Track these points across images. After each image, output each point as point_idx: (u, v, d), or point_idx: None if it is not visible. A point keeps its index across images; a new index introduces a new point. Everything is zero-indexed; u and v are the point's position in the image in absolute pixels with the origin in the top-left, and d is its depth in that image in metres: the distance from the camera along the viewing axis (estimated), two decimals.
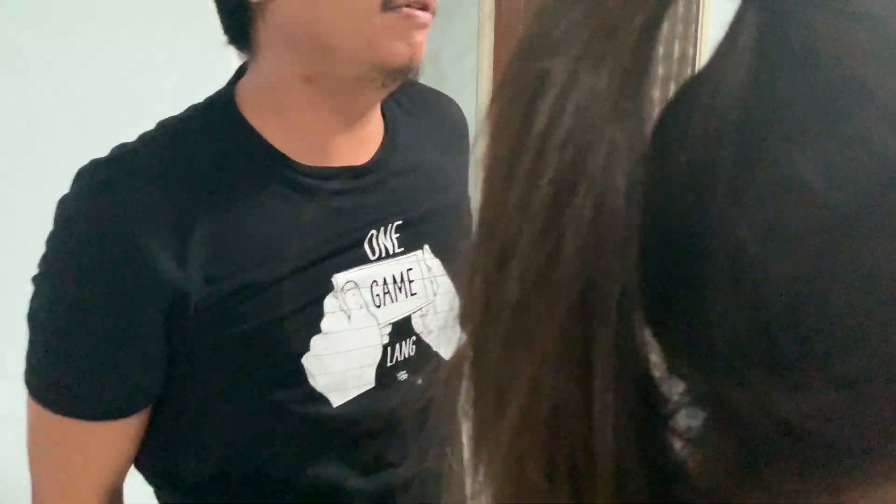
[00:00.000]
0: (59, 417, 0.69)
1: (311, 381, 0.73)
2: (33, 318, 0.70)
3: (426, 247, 0.81)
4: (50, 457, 0.74)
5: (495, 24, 3.28)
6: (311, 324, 0.73)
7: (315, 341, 0.73)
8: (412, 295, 0.79)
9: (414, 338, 0.80)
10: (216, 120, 0.74)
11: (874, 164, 0.18)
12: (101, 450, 0.72)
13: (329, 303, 0.74)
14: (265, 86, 0.74)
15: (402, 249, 0.79)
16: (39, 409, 0.70)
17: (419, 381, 0.79)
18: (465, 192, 0.89)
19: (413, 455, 0.80)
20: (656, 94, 0.23)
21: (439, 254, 0.82)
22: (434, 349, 0.81)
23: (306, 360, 0.72)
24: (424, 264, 0.81)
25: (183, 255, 0.67)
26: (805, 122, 0.19)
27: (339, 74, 0.71)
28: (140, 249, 0.65)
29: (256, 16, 0.71)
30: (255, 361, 0.71)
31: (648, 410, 0.22)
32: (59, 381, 0.70)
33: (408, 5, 0.67)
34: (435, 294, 0.81)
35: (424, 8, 0.68)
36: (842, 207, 0.18)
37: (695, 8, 3.03)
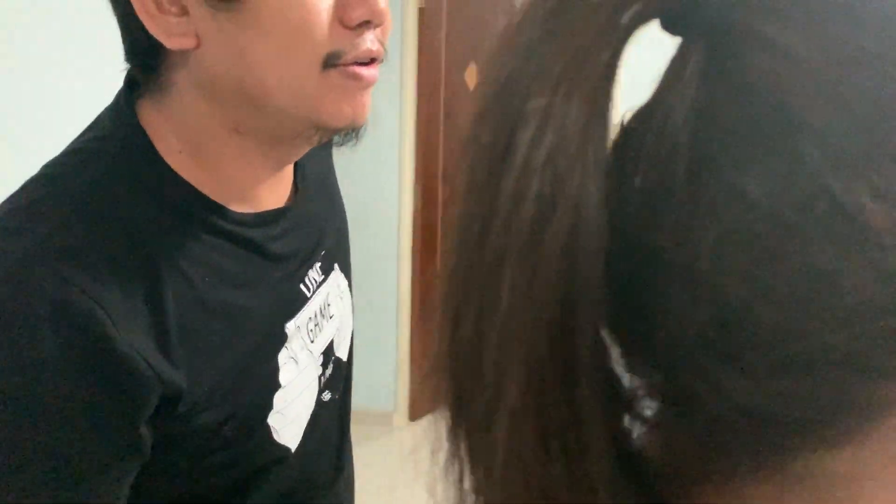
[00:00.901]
0: None
1: (275, 436, 0.69)
2: None
3: (336, 266, 0.79)
4: None
5: (417, 37, 3.31)
6: (273, 381, 0.68)
7: (277, 397, 0.68)
8: (331, 318, 0.77)
9: (333, 357, 0.78)
10: (138, 170, 0.61)
11: (806, 177, 0.21)
12: None
13: (282, 355, 0.69)
14: (184, 129, 0.63)
15: (324, 277, 0.76)
16: None
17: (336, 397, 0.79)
18: (336, 185, 0.89)
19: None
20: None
21: (343, 268, 0.81)
22: (342, 360, 0.80)
23: (271, 418, 0.68)
24: (336, 283, 0.79)
25: (169, 351, 0.58)
26: (747, 145, 0.22)
27: (272, 129, 0.64)
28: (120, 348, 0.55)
29: (175, 58, 0.61)
30: (227, 434, 0.64)
31: (612, 401, 0.25)
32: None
33: (352, 62, 0.60)
34: (344, 308, 0.80)
35: (371, 62, 0.61)
36: (782, 216, 0.21)
37: None
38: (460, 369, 0.26)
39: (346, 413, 0.84)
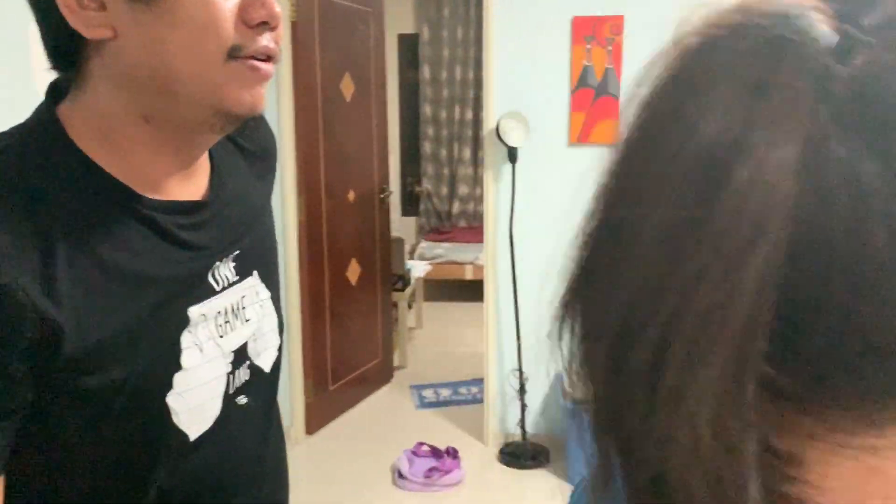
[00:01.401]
0: None
1: (175, 418, 0.73)
2: None
3: (255, 273, 0.85)
4: None
5: (292, 50, 3.28)
6: (173, 361, 0.73)
7: (177, 378, 0.73)
8: (246, 321, 0.82)
9: (248, 362, 0.83)
10: (49, 153, 0.68)
11: None
12: None
13: (185, 338, 0.74)
14: (98, 118, 0.70)
15: (238, 278, 0.82)
16: None
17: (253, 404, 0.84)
18: (272, 214, 0.96)
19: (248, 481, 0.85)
20: None
21: (265, 279, 0.87)
22: (263, 370, 0.86)
23: (170, 398, 0.73)
24: (254, 290, 0.84)
25: (56, 296, 0.64)
26: None
27: (180, 117, 0.70)
28: (15, 293, 0.61)
29: (91, 51, 0.68)
30: (122, 403, 0.69)
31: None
32: None
33: (253, 57, 0.68)
34: (263, 317, 0.85)
35: (268, 59, 0.70)
36: None
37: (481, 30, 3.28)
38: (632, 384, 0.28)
39: (269, 427, 0.91)
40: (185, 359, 0.74)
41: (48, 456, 0.70)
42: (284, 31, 3.18)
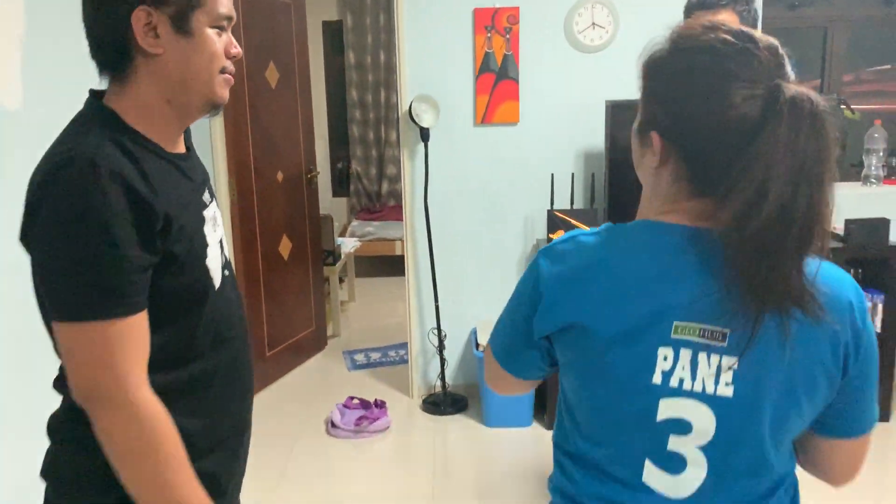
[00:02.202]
0: (111, 322, 1.03)
1: (211, 273, 1.22)
2: (77, 261, 1.02)
3: (214, 200, 1.32)
4: (116, 357, 1.04)
5: None
6: (205, 242, 1.21)
7: (206, 250, 1.21)
8: (218, 226, 1.29)
9: (223, 250, 1.29)
10: (116, 129, 1.12)
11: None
12: (142, 336, 1.08)
13: (206, 228, 1.22)
14: (139, 105, 1.15)
15: (211, 200, 1.30)
16: (101, 325, 1.03)
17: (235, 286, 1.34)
18: None
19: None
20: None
21: (218, 206, 1.35)
22: (230, 262, 1.33)
23: (207, 261, 1.21)
24: (217, 210, 1.31)
25: (150, 187, 1.09)
26: None
27: (189, 104, 1.17)
28: (138, 193, 1.06)
29: (139, 62, 1.13)
30: (190, 263, 1.16)
31: None
32: (108, 296, 1.03)
33: (229, 73, 1.19)
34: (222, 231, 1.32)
35: (232, 74, 1.22)
36: None
37: (396, 23, 3.56)
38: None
39: (240, 297, 1.37)
40: (207, 237, 1.22)
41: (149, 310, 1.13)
42: None
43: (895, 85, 4.19)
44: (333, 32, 6.60)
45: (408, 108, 3.52)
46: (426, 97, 3.51)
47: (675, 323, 0.93)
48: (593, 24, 3.50)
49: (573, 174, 3.58)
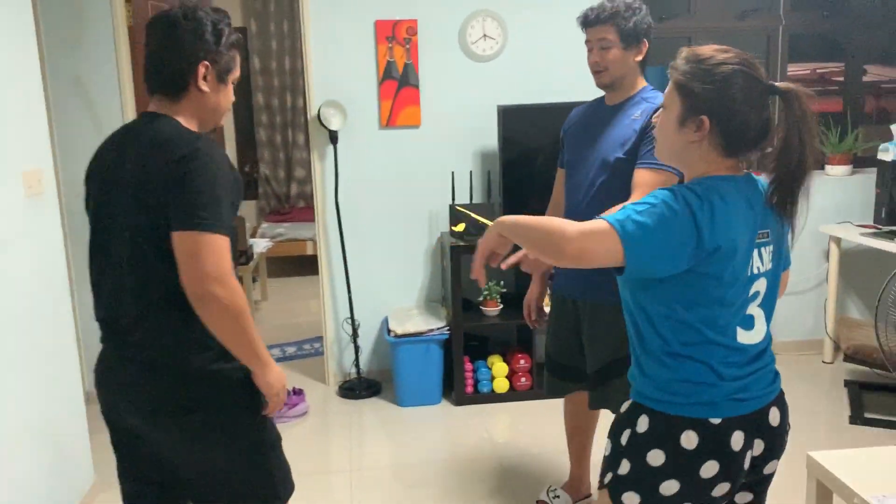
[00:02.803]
0: (225, 237, 1.57)
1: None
2: (214, 185, 1.57)
3: None
4: (228, 256, 1.56)
5: (130, 52, 3.68)
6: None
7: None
8: None
9: None
10: (183, 127, 1.67)
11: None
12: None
13: None
14: (187, 116, 1.70)
15: None
16: (214, 238, 1.53)
17: None
18: None
19: None
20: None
21: None
22: None
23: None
24: None
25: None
26: None
27: (211, 120, 1.76)
28: None
29: (192, 91, 1.69)
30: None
31: None
32: (225, 222, 1.58)
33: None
34: None
35: None
36: None
37: (300, 29, 3.79)
38: None
39: None
40: None
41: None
42: (122, 36, 3.59)
43: None
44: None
45: (317, 112, 3.76)
46: (334, 102, 3.77)
47: (758, 233, 1.48)
48: (485, 35, 3.85)
49: (471, 172, 3.91)
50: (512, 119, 3.71)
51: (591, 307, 2.42)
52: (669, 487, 1.48)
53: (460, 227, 3.72)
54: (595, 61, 2.36)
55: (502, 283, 3.89)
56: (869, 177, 4.14)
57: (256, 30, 6.68)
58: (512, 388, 3.81)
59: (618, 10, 2.29)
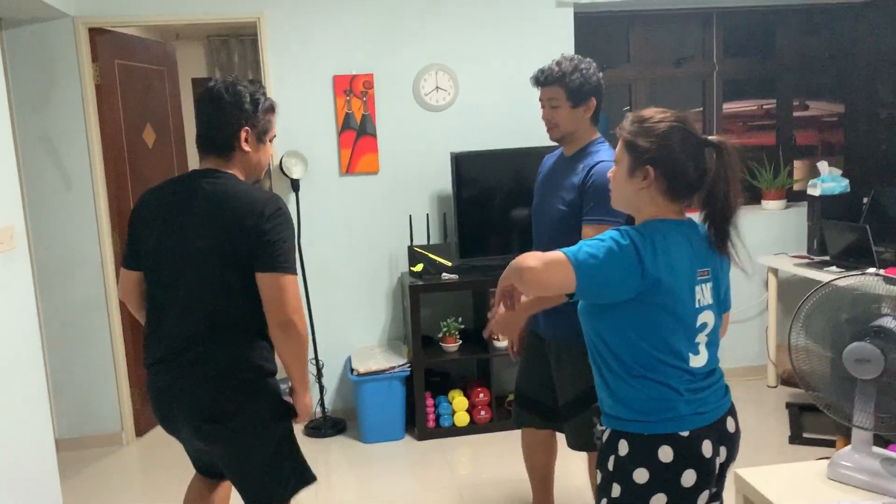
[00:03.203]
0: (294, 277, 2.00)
1: None
2: (292, 248, 2.00)
3: None
4: (298, 294, 2.00)
5: (98, 109, 3.84)
6: None
7: None
8: None
9: None
10: (240, 181, 2.09)
11: None
12: None
13: None
14: (238, 170, 2.08)
15: None
16: (293, 278, 1.97)
17: None
18: None
19: None
20: None
21: None
22: None
23: None
24: None
25: None
26: None
27: (251, 176, 2.14)
28: None
29: (237, 151, 2.07)
30: None
31: None
32: (295, 265, 2.02)
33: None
34: None
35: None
36: None
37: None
38: None
39: None
40: None
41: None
42: (90, 95, 3.75)
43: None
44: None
45: (279, 162, 3.94)
46: (295, 152, 3.96)
47: (697, 270, 1.69)
48: (437, 87, 4.08)
49: (428, 214, 4.11)
50: (464, 164, 3.93)
51: (557, 345, 2.54)
52: (658, 501, 1.66)
53: (419, 267, 3.91)
54: (546, 118, 2.51)
55: (460, 319, 4.07)
56: (803, 209, 4.41)
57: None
58: (472, 421, 3.97)
59: (564, 73, 2.43)
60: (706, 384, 1.73)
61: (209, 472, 2.37)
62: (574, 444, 2.58)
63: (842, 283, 2.23)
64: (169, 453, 3.93)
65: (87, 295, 3.91)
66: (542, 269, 1.63)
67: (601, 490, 1.76)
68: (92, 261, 3.89)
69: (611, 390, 1.73)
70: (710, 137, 1.70)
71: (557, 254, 1.63)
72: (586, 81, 2.48)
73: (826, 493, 2.12)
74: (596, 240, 1.65)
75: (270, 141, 2.15)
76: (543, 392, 2.67)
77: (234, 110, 2.03)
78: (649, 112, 1.73)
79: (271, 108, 2.14)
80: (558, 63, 2.47)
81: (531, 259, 1.64)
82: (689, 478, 1.66)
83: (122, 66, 4.00)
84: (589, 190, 2.38)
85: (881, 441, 2.79)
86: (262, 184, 3.00)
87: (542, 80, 2.49)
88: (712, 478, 1.71)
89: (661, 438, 1.66)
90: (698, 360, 1.71)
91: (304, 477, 2.23)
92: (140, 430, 4.12)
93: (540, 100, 2.54)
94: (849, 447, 2.25)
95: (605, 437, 1.77)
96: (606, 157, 2.41)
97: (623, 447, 1.70)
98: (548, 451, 2.86)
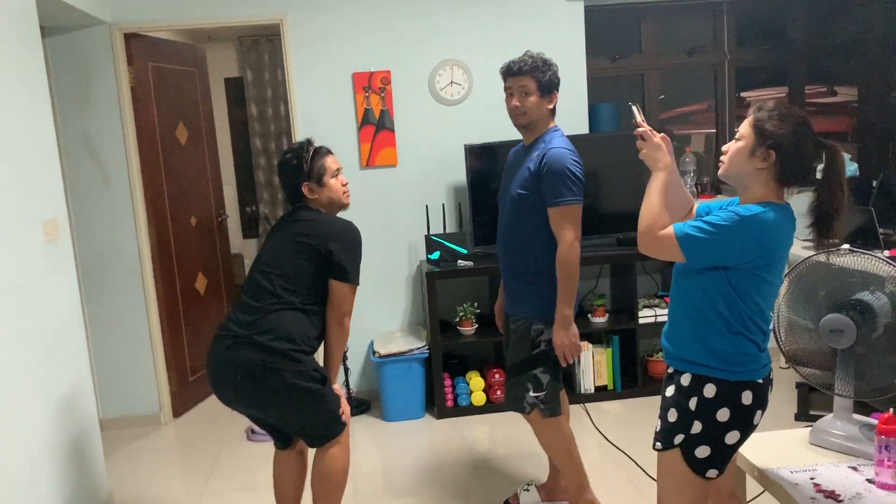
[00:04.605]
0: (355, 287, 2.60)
1: None
2: (357, 261, 2.60)
3: None
4: (352, 298, 2.61)
5: (133, 110, 4.10)
6: None
7: None
8: None
9: None
10: (318, 213, 2.65)
11: None
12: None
13: None
14: (322, 205, 2.65)
15: None
16: (353, 288, 2.57)
17: None
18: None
19: None
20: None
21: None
22: None
23: None
24: None
25: None
26: None
27: (333, 208, 2.67)
28: None
29: (307, 197, 2.64)
30: None
31: None
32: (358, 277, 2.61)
33: (345, 191, 2.71)
34: None
35: (346, 191, 2.73)
36: None
37: (287, 85, 4.19)
38: None
39: None
40: None
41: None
42: (125, 97, 4.01)
43: (701, 118, 5.12)
44: (235, 88, 7.19)
45: None
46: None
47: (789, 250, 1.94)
48: (452, 82, 4.26)
49: (444, 205, 4.29)
50: (477, 156, 4.10)
51: (513, 319, 2.82)
52: (732, 437, 1.92)
53: (436, 255, 4.09)
54: (515, 105, 2.71)
55: (476, 304, 4.24)
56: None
57: (252, 79, 7.13)
58: (489, 400, 4.15)
59: (536, 65, 2.67)
60: (768, 341, 2.02)
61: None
62: (507, 405, 2.92)
63: (819, 258, 2.36)
64: (206, 430, 4.18)
65: (126, 283, 4.17)
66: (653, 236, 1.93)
67: (679, 426, 1.98)
68: (130, 251, 4.15)
69: (704, 341, 1.95)
70: (825, 140, 1.89)
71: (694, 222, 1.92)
72: (554, 76, 2.73)
73: (806, 456, 2.25)
74: (730, 212, 1.87)
75: (333, 178, 2.63)
76: None
77: (291, 172, 2.62)
78: (781, 103, 1.92)
79: (321, 154, 2.64)
80: (530, 57, 2.71)
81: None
82: (758, 417, 1.96)
83: (155, 69, 4.25)
84: (545, 175, 2.61)
85: (866, 410, 2.89)
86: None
87: (516, 70, 2.70)
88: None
89: (745, 385, 1.92)
90: (770, 324, 2.01)
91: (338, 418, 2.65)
92: (177, 412, 4.39)
93: (508, 89, 2.74)
94: (831, 415, 2.38)
95: (686, 381, 1.98)
96: (559, 144, 2.65)
97: (710, 390, 1.93)
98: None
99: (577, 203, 2.61)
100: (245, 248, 7.22)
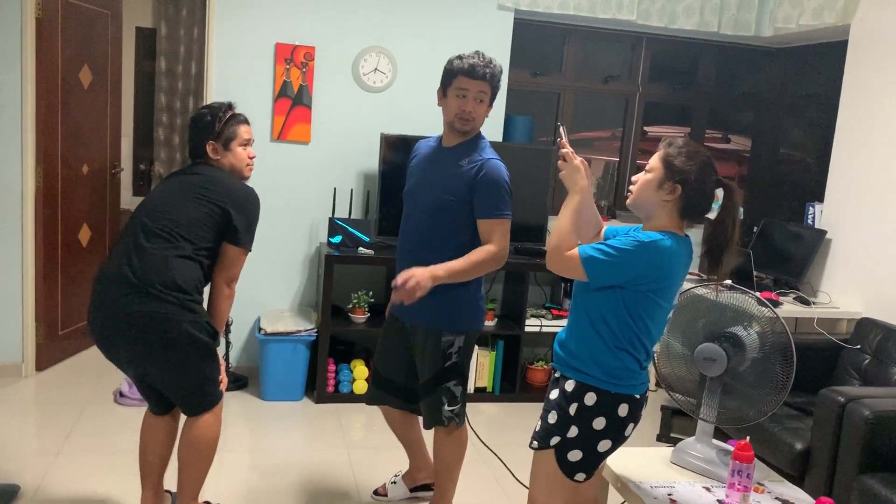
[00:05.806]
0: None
1: None
2: (256, 219, 2.60)
3: None
4: (242, 263, 2.62)
5: (36, 42, 3.86)
6: None
7: None
8: None
9: None
10: (221, 171, 2.63)
11: None
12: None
13: None
14: (225, 165, 2.63)
15: None
16: (245, 252, 2.58)
17: None
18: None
19: None
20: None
21: None
22: None
23: None
24: None
25: None
26: None
27: (239, 173, 2.67)
28: None
29: (211, 158, 2.61)
30: None
31: None
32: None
33: (250, 163, 2.70)
34: None
35: (251, 164, 2.73)
36: None
37: (206, 44, 4.07)
38: None
39: None
40: None
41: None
42: (29, 26, 3.76)
43: (602, 145, 5.34)
44: (146, 39, 6.87)
45: None
46: None
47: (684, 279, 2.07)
48: (376, 69, 4.25)
49: (352, 189, 4.28)
50: (392, 146, 4.11)
51: (424, 331, 2.67)
52: (604, 445, 2.05)
53: (338, 239, 4.07)
54: (469, 110, 2.53)
55: (371, 293, 4.25)
56: (700, 232, 4.76)
57: (166, 32, 6.83)
58: None
59: (496, 73, 2.55)
60: (650, 361, 2.15)
61: None
62: (428, 423, 2.76)
63: (699, 291, 2.52)
64: (71, 388, 3.98)
65: (4, 223, 3.92)
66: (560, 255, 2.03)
67: (556, 428, 2.07)
68: (13, 190, 3.90)
69: (592, 352, 2.05)
70: (724, 179, 2.05)
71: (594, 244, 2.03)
72: (500, 86, 2.62)
73: (666, 474, 2.40)
74: (631, 238, 1.98)
75: (241, 146, 2.62)
76: (400, 374, 2.84)
77: (201, 128, 2.59)
78: (689, 142, 2.07)
79: (235, 121, 2.62)
80: (491, 62, 2.54)
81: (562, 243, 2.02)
82: (629, 430, 2.09)
83: (66, 3, 4.02)
84: (481, 186, 2.52)
85: (723, 437, 3.11)
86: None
87: (481, 74, 2.51)
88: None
89: (623, 398, 2.05)
90: (655, 346, 2.16)
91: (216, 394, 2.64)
92: (41, 366, 4.15)
93: (463, 90, 2.53)
94: (693, 437, 2.54)
95: (570, 387, 2.07)
96: (495, 156, 2.58)
97: (590, 398, 2.05)
98: (410, 423, 3.02)
99: (510, 217, 2.57)
100: (135, 205, 6.90)
